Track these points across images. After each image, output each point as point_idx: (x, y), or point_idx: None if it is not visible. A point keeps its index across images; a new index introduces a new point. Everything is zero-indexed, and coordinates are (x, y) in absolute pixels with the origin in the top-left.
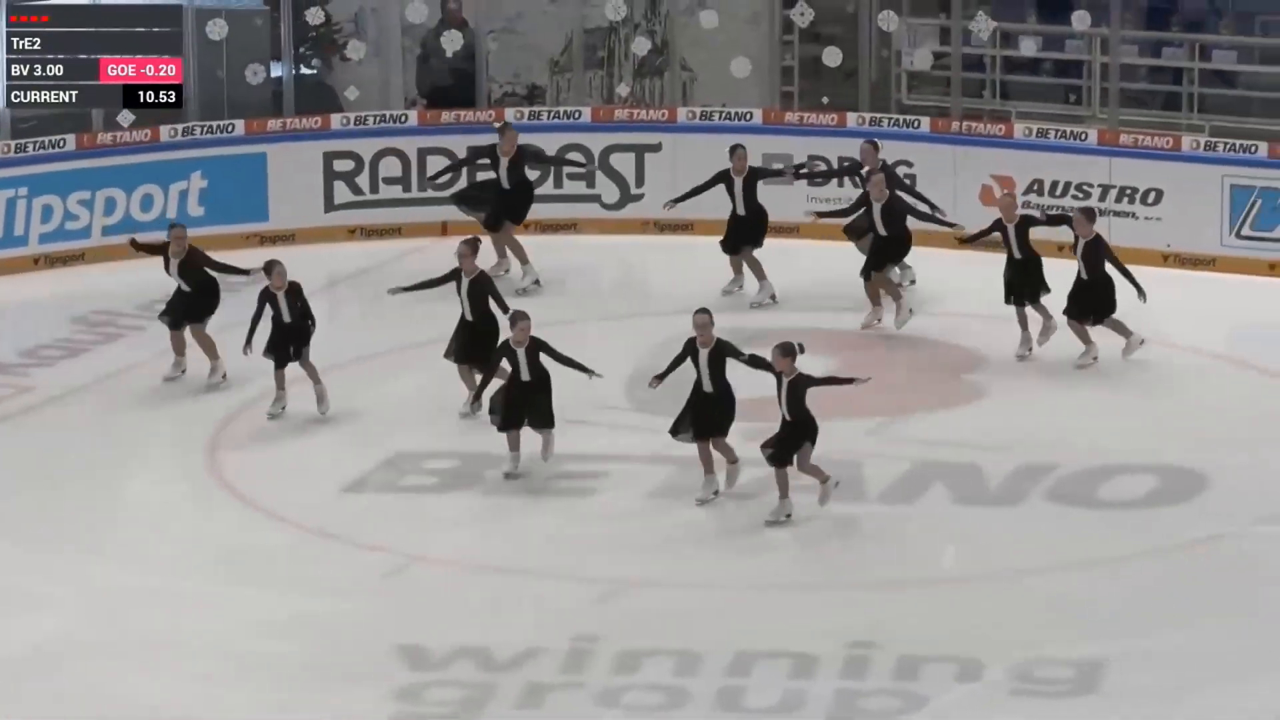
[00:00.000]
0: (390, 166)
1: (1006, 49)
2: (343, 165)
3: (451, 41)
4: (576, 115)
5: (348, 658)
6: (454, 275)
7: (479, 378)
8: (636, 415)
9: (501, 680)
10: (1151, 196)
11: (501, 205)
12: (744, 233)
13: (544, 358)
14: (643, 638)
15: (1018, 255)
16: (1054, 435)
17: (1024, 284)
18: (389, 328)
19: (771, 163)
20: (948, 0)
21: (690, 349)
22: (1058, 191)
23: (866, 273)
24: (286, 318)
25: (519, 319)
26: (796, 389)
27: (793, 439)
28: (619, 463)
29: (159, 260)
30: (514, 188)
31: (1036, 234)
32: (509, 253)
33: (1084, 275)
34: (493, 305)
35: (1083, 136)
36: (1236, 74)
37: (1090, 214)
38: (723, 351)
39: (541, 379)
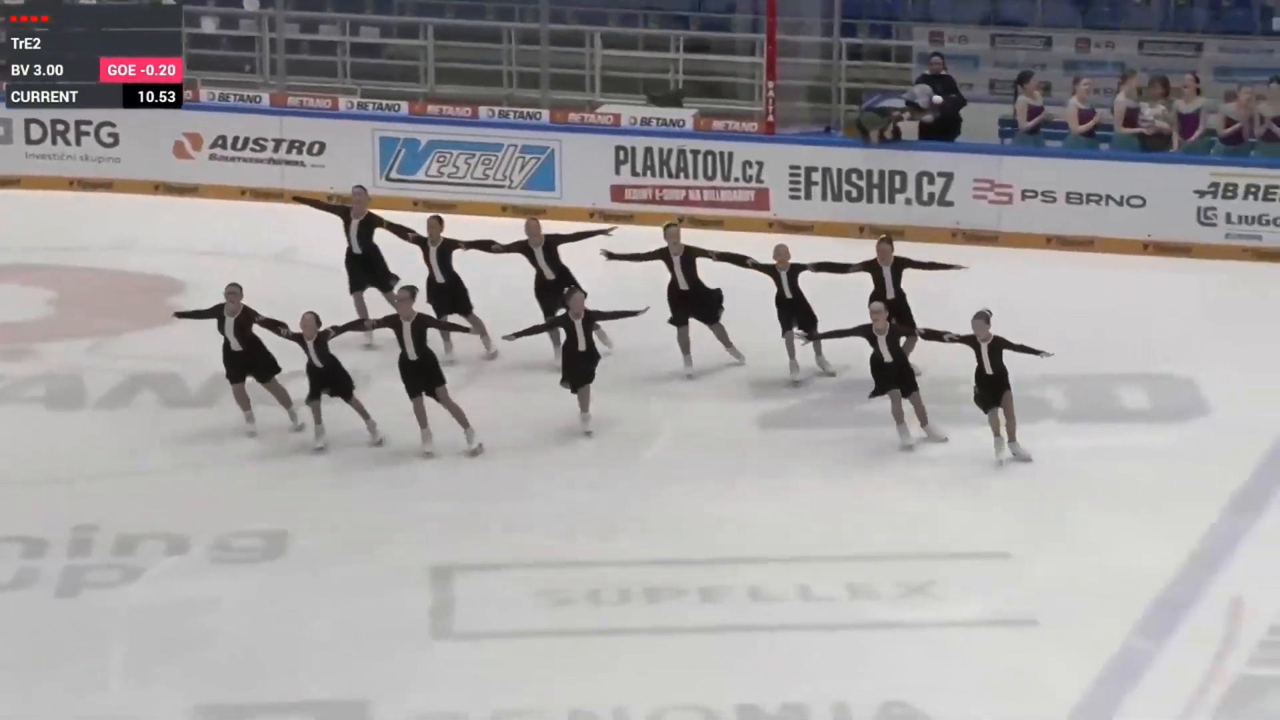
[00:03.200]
0: None
1: (190, 27)
2: None
3: None
4: None
5: None
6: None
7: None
8: None
9: None
10: (316, 148)
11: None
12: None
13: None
14: None
15: (789, 295)
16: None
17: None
18: None
19: None
20: None
21: (867, 333)
22: (239, 146)
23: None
24: (319, 362)
25: (574, 293)
26: (995, 349)
27: (996, 388)
28: None
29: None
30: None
31: None
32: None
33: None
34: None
35: (258, 99)
36: (382, 46)
37: (886, 248)
38: (898, 332)
39: (593, 347)
